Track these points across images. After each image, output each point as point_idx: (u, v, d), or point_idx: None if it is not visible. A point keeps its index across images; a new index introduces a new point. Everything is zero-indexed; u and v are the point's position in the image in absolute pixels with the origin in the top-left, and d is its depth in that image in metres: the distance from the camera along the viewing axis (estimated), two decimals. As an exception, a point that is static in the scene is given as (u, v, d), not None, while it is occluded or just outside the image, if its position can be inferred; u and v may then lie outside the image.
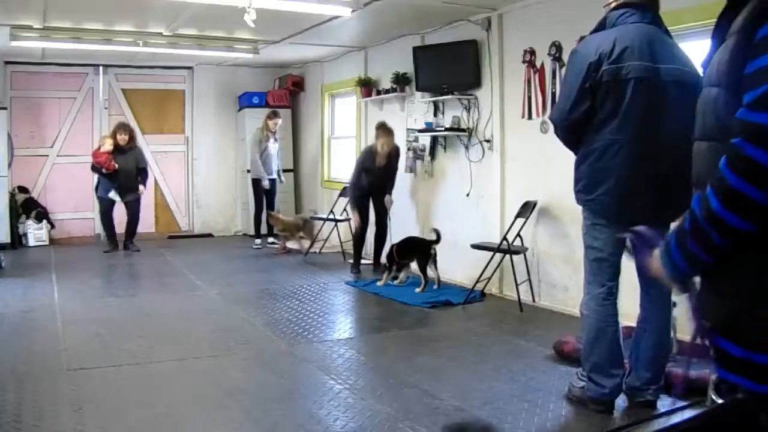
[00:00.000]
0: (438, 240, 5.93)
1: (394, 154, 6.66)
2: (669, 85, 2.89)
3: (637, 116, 2.89)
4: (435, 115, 6.69)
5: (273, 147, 8.40)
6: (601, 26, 3.04)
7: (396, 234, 6.65)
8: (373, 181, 6.63)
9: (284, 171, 8.87)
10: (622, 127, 2.90)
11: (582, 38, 3.12)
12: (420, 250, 5.96)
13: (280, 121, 8.46)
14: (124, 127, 8.04)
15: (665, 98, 2.89)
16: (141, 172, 8.06)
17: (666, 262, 1.42)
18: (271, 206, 8.53)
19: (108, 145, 7.84)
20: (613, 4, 3.03)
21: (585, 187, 3.05)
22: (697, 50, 3.56)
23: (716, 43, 1.40)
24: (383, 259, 6.48)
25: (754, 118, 1.21)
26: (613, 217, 3.02)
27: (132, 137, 8.07)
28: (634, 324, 3.29)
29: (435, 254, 5.90)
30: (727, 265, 1.33)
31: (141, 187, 8.02)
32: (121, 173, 7.87)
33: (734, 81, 1.29)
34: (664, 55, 2.91)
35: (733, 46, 1.31)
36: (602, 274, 3.07)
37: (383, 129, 6.60)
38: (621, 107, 2.89)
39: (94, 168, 7.92)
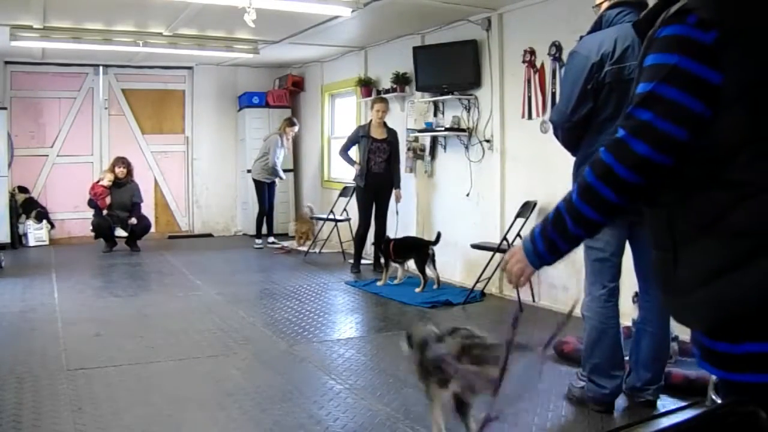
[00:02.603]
0: (437, 241, 5.95)
1: (392, 136, 6.67)
2: None
3: None
4: (435, 115, 6.69)
5: (282, 153, 8.49)
6: (597, 26, 3.03)
7: (399, 233, 6.65)
8: (375, 167, 6.61)
9: (284, 171, 8.87)
10: None
11: (581, 38, 3.11)
12: (418, 249, 5.97)
13: (297, 128, 8.60)
14: (122, 160, 8.14)
15: None
16: (134, 206, 8.11)
17: (528, 251, 1.60)
18: (272, 206, 8.58)
19: (107, 181, 7.94)
20: (606, 4, 3.02)
21: None
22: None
23: None
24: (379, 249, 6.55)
25: (617, 132, 1.42)
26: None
27: (129, 171, 8.16)
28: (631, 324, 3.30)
29: (433, 255, 5.91)
30: (660, 265, 1.44)
31: (132, 219, 8.02)
32: (116, 207, 7.96)
33: None
34: None
35: (636, 75, 1.48)
36: (604, 275, 3.06)
37: (376, 97, 6.92)
38: (624, 107, 2.88)
39: (91, 203, 7.95)
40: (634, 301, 3.54)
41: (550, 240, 1.55)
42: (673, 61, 1.32)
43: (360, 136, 6.67)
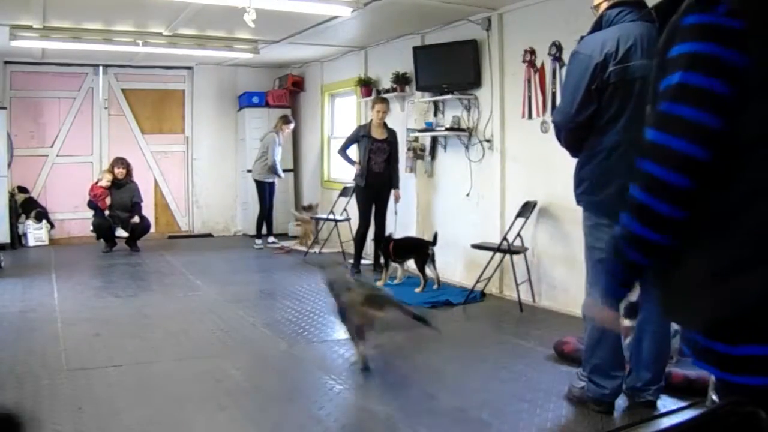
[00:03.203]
0: (434, 242, 5.95)
1: (392, 137, 6.66)
2: None
3: (644, 115, 2.87)
4: (435, 115, 6.69)
5: (280, 150, 8.49)
6: (597, 26, 3.02)
7: (399, 234, 6.65)
8: (375, 167, 6.59)
9: (284, 171, 8.89)
10: (630, 126, 2.88)
11: (582, 39, 3.10)
12: (418, 250, 5.97)
13: (293, 125, 8.64)
14: (121, 161, 8.12)
15: None
16: (134, 206, 8.10)
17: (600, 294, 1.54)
18: (272, 206, 8.59)
19: (105, 181, 7.94)
20: (605, 4, 3.02)
21: (590, 187, 3.02)
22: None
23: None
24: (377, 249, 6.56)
25: (648, 135, 1.37)
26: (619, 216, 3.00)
27: (129, 172, 8.16)
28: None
29: (433, 255, 5.91)
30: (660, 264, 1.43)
31: (135, 218, 8.02)
32: (116, 207, 7.95)
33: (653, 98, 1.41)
34: None
35: (654, 66, 1.42)
36: None
37: (377, 97, 6.84)
38: (627, 107, 2.87)
39: (91, 204, 7.96)
40: (624, 315, 3.49)
41: (612, 274, 1.49)
42: (702, 49, 1.28)
43: (360, 136, 6.66)
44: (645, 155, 1.35)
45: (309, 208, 8.61)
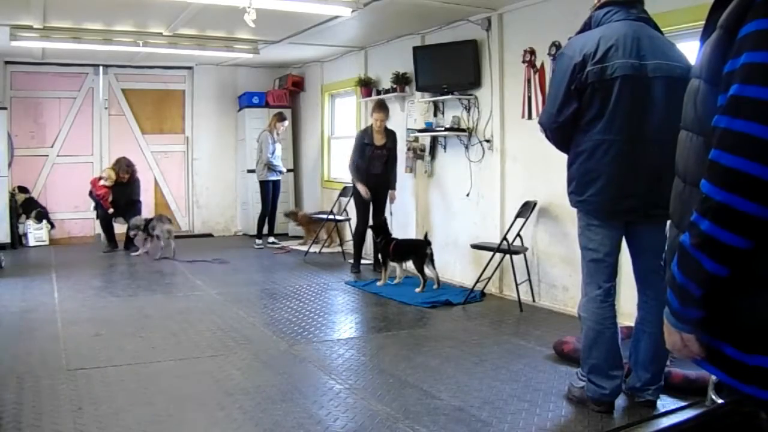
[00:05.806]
0: (426, 240, 5.99)
1: (391, 141, 6.67)
2: (657, 80, 2.87)
3: (625, 115, 2.88)
4: (435, 115, 6.69)
5: (278, 147, 8.47)
6: (586, 26, 3.03)
7: (395, 233, 6.65)
8: (374, 169, 6.61)
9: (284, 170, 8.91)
10: (610, 126, 2.89)
11: (569, 39, 3.12)
12: (416, 250, 5.97)
13: (287, 122, 8.60)
14: (127, 165, 8.11)
15: (653, 94, 2.87)
16: (133, 204, 8.11)
17: (667, 313, 1.35)
18: (275, 206, 8.58)
19: (109, 181, 7.95)
20: (598, 4, 3.03)
21: (577, 187, 3.04)
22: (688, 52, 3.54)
23: (705, 41, 1.40)
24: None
25: (721, 123, 1.19)
26: (606, 216, 3.01)
27: (132, 174, 8.17)
28: (632, 323, 3.30)
29: (431, 254, 5.92)
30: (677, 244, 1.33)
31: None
32: (118, 205, 7.98)
33: (713, 74, 1.29)
34: (652, 51, 2.88)
35: (714, 39, 1.30)
36: (599, 275, 3.06)
37: (376, 105, 6.76)
38: (608, 107, 2.88)
39: (92, 195, 8.01)
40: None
41: (680, 287, 1.28)
42: None
43: (365, 144, 6.64)
44: (720, 146, 1.17)
45: (292, 215, 8.67)
